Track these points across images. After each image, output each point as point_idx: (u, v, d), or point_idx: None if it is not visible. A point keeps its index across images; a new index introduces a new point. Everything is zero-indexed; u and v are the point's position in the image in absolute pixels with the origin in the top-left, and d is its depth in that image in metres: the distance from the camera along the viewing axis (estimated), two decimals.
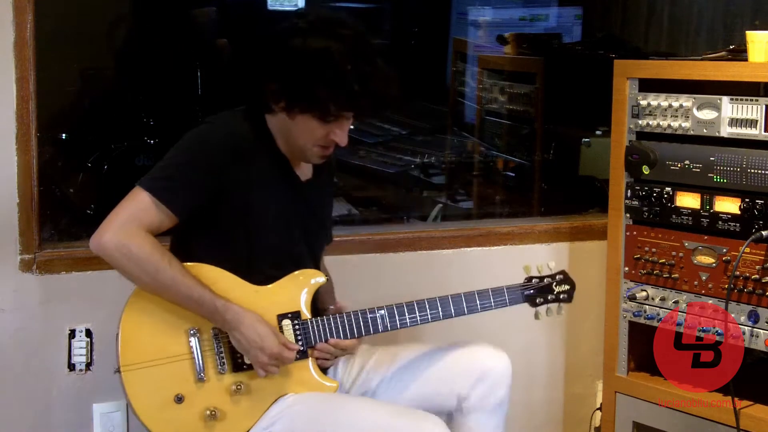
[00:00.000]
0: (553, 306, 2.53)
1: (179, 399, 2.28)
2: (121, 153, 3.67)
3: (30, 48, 2.76)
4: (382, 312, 2.39)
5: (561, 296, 2.53)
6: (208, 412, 2.29)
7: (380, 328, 2.39)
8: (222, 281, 2.30)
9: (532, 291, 2.51)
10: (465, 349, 2.50)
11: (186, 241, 2.35)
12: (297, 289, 2.39)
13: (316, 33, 2.24)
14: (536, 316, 2.52)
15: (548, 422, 3.47)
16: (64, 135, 3.51)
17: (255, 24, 4.21)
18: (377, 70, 2.27)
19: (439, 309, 2.41)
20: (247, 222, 2.32)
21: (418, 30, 4.60)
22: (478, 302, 2.44)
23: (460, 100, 4.51)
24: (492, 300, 2.45)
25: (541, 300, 2.51)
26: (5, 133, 2.77)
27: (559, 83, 3.97)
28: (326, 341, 2.38)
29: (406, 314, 2.40)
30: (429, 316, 2.41)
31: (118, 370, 2.27)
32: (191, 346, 2.29)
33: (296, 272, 2.39)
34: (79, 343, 2.88)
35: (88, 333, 2.90)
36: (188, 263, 2.28)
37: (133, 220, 2.21)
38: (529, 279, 2.52)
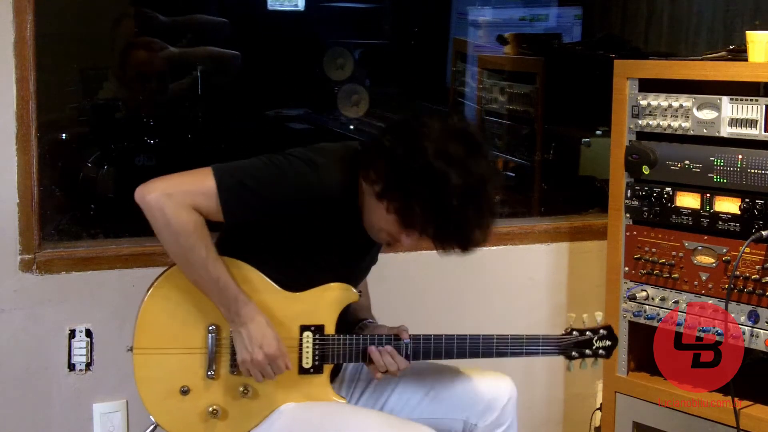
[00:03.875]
0: (589, 360, 2.45)
1: (185, 391, 2.28)
2: (121, 153, 3.66)
3: (30, 48, 2.76)
4: (407, 342, 2.35)
5: (599, 351, 2.44)
6: (210, 410, 2.29)
7: (403, 357, 2.36)
8: (254, 281, 2.28)
9: (569, 344, 2.43)
10: (473, 377, 2.47)
11: (235, 235, 2.31)
12: (326, 303, 2.33)
13: (445, 155, 2.12)
14: (568, 367, 2.45)
15: (548, 422, 3.47)
16: (64, 135, 3.51)
17: (255, 24, 4.21)
18: (480, 218, 2.18)
19: (467, 347, 2.36)
20: (294, 253, 2.29)
21: (418, 30, 4.59)
22: (509, 348, 2.39)
23: (460, 100, 4.50)
24: (524, 348, 2.40)
25: (577, 354, 2.43)
26: (5, 133, 2.77)
27: (559, 83, 3.96)
28: (345, 362, 2.36)
29: (432, 347, 2.35)
30: (455, 353, 2.36)
31: (130, 349, 2.28)
32: (208, 342, 2.28)
33: (330, 284, 2.33)
34: (79, 343, 2.89)
35: (88, 333, 2.90)
36: (227, 257, 2.25)
37: (188, 194, 2.16)
38: (570, 331, 2.44)
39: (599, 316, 2.46)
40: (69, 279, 2.88)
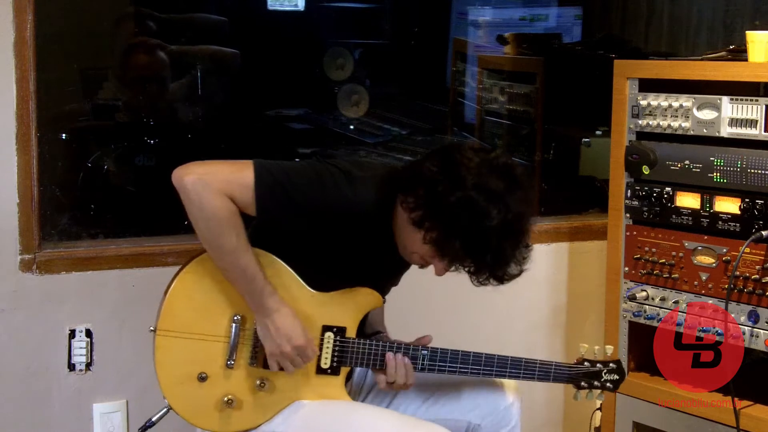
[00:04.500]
0: (595, 391, 2.44)
1: (203, 378, 2.28)
2: (121, 153, 3.67)
3: (30, 48, 2.76)
4: (425, 353, 2.34)
5: (607, 384, 2.43)
6: (226, 399, 2.29)
7: (418, 368, 2.36)
8: (282, 275, 2.28)
9: (579, 374, 2.42)
10: (478, 380, 2.47)
11: (268, 229, 2.29)
12: (351, 306, 2.33)
13: (486, 190, 2.12)
14: (575, 396, 2.45)
15: (548, 422, 3.47)
16: (64, 135, 3.51)
17: (255, 24, 4.21)
18: (517, 253, 2.18)
19: (482, 366, 2.36)
20: (323, 257, 2.28)
21: (418, 30, 4.60)
22: (522, 371, 2.38)
23: (460, 100, 4.51)
24: (537, 373, 2.39)
25: (586, 384, 2.43)
26: (5, 133, 2.77)
27: (559, 83, 3.97)
28: (362, 366, 2.36)
29: (447, 362, 2.35)
30: (469, 371, 2.36)
31: (153, 330, 2.28)
32: (230, 331, 2.28)
33: (357, 288, 2.33)
34: (79, 343, 2.89)
35: (88, 333, 2.90)
36: (258, 249, 2.25)
37: (225, 182, 2.15)
38: (581, 361, 2.44)
39: (610, 349, 2.46)
40: (69, 279, 2.88)
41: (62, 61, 3.46)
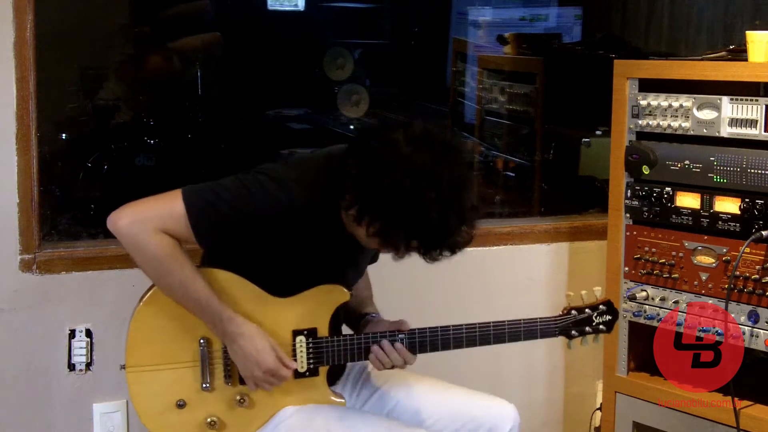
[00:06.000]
0: (590, 336, 2.42)
1: (181, 405, 2.27)
2: (121, 153, 3.67)
3: (30, 48, 2.76)
4: (402, 336, 2.32)
5: (600, 327, 2.41)
6: (209, 420, 2.28)
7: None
8: (242, 291, 2.26)
9: (567, 323, 2.40)
10: (479, 399, 2.46)
11: (220, 245, 2.26)
12: (317, 305, 2.30)
13: (412, 170, 2.06)
14: (568, 345, 2.42)
15: (548, 422, 3.47)
16: (64, 135, 3.51)
17: (255, 24, 4.21)
18: (463, 220, 2.13)
19: (464, 338, 2.33)
20: (280, 260, 2.25)
21: (418, 30, 4.61)
22: (506, 333, 2.36)
23: (460, 100, 4.51)
24: (522, 332, 2.37)
25: (576, 333, 2.40)
26: (5, 133, 2.77)
27: (559, 83, 3.97)
28: (341, 362, 2.34)
29: (428, 340, 2.32)
30: (451, 344, 2.33)
31: (123, 367, 2.28)
32: (200, 355, 2.27)
33: (320, 286, 2.30)
34: (79, 343, 2.89)
35: (88, 333, 2.90)
36: (212, 269, 2.24)
37: (158, 219, 2.14)
38: (568, 311, 2.41)
39: (598, 291, 2.43)
40: (69, 279, 2.87)
41: (62, 61, 3.47)
